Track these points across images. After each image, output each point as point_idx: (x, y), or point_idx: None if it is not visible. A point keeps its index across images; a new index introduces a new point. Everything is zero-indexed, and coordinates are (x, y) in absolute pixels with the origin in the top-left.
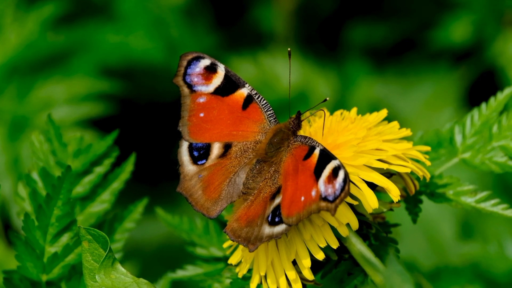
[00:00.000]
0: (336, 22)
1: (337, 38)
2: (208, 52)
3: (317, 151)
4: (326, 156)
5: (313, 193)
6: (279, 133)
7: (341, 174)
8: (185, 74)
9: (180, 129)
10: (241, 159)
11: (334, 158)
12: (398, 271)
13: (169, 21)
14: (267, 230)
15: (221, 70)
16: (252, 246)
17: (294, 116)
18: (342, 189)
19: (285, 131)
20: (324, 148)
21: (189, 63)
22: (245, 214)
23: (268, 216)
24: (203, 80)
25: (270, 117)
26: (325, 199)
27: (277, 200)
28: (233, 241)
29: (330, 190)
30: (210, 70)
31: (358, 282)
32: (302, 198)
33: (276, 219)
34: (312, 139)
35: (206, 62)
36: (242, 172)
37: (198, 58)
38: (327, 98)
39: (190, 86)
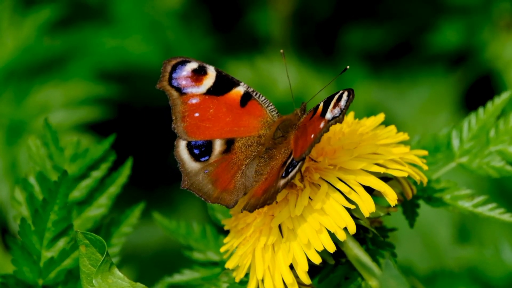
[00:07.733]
0: (333, 26)
1: (334, 42)
2: (204, 56)
3: (321, 104)
4: (330, 98)
5: (321, 125)
6: (286, 121)
7: (344, 95)
8: (170, 78)
9: (175, 129)
10: (248, 152)
11: (338, 92)
12: (394, 275)
13: (165, 24)
14: (282, 181)
15: (211, 71)
16: (271, 201)
17: (299, 108)
18: (347, 100)
19: (292, 119)
20: (327, 97)
21: (174, 68)
22: (260, 188)
23: (282, 174)
24: (192, 82)
25: (272, 111)
26: (332, 118)
27: (288, 160)
28: (251, 211)
29: (336, 110)
30: (199, 72)
31: (355, 287)
32: (312, 136)
33: (290, 170)
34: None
35: (193, 65)
36: (252, 163)
37: (183, 63)
38: (348, 67)
39: (178, 89)
